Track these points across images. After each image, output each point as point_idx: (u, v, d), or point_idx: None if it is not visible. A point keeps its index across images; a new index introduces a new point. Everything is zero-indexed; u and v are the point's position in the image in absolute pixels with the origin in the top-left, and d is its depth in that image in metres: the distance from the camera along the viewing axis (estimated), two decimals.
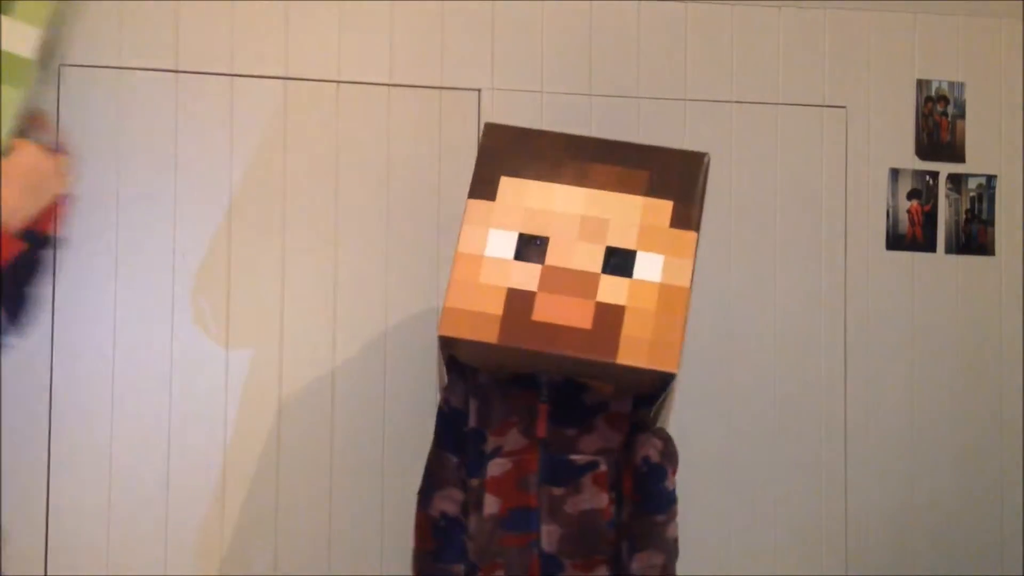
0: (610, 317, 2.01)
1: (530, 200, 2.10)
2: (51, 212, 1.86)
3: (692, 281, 2.07)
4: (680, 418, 3.00)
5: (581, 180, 2.11)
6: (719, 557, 3.02)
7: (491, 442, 2.21)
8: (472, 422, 2.23)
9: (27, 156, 1.77)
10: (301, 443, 2.80)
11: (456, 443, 2.24)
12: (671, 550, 2.18)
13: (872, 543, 3.09)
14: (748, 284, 3.06)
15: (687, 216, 2.08)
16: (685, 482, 2.97)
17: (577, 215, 2.08)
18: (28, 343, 2.60)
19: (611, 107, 3.00)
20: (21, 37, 1.80)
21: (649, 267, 2.05)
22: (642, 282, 2.04)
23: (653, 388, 2.10)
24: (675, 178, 2.11)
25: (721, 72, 3.07)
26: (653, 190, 2.10)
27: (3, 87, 1.77)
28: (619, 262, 2.05)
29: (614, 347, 1.99)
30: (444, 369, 2.15)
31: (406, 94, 2.90)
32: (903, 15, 3.15)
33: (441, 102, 2.92)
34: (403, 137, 2.89)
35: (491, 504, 2.17)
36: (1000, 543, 3.15)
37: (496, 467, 2.18)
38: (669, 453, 2.21)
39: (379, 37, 2.89)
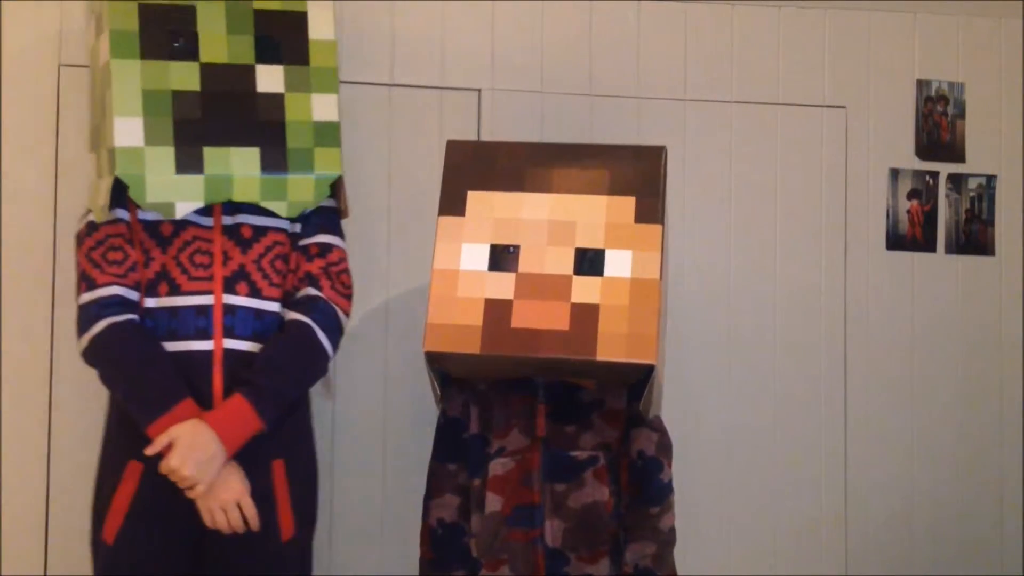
0: (586, 316, 2.07)
1: (498, 211, 2.17)
2: None
3: (663, 272, 2.13)
4: (680, 417, 2.99)
5: (545, 186, 2.18)
6: (719, 557, 3.03)
7: (494, 444, 2.26)
8: (474, 428, 2.28)
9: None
10: None
11: (454, 451, 2.30)
12: (665, 540, 2.23)
13: (872, 543, 3.09)
14: (748, 284, 3.06)
15: (651, 210, 2.14)
16: (685, 481, 2.97)
17: (544, 221, 2.15)
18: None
19: (611, 107, 3.00)
20: None
21: (619, 264, 2.11)
22: (613, 279, 2.10)
23: (635, 380, 2.15)
24: (635, 174, 2.17)
25: (721, 72, 3.07)
26: (615, 188, 2.16)
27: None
28: (590, 262, 2.12)
29: (592, 345, 2.06)
30: (435, 383, 2.19)
31: (406, 94, 2.91)
32: (903, 15, 3.15)
33: (441, 102, 2.92)
34: (403, 137, 2.89)
35: (493, 502, 2.21)
36: (1000, 543, 3.15)
37: (499, 466, 2.22)
38: (664, 445, 2.27)
39: (380, 37, 2.89)
